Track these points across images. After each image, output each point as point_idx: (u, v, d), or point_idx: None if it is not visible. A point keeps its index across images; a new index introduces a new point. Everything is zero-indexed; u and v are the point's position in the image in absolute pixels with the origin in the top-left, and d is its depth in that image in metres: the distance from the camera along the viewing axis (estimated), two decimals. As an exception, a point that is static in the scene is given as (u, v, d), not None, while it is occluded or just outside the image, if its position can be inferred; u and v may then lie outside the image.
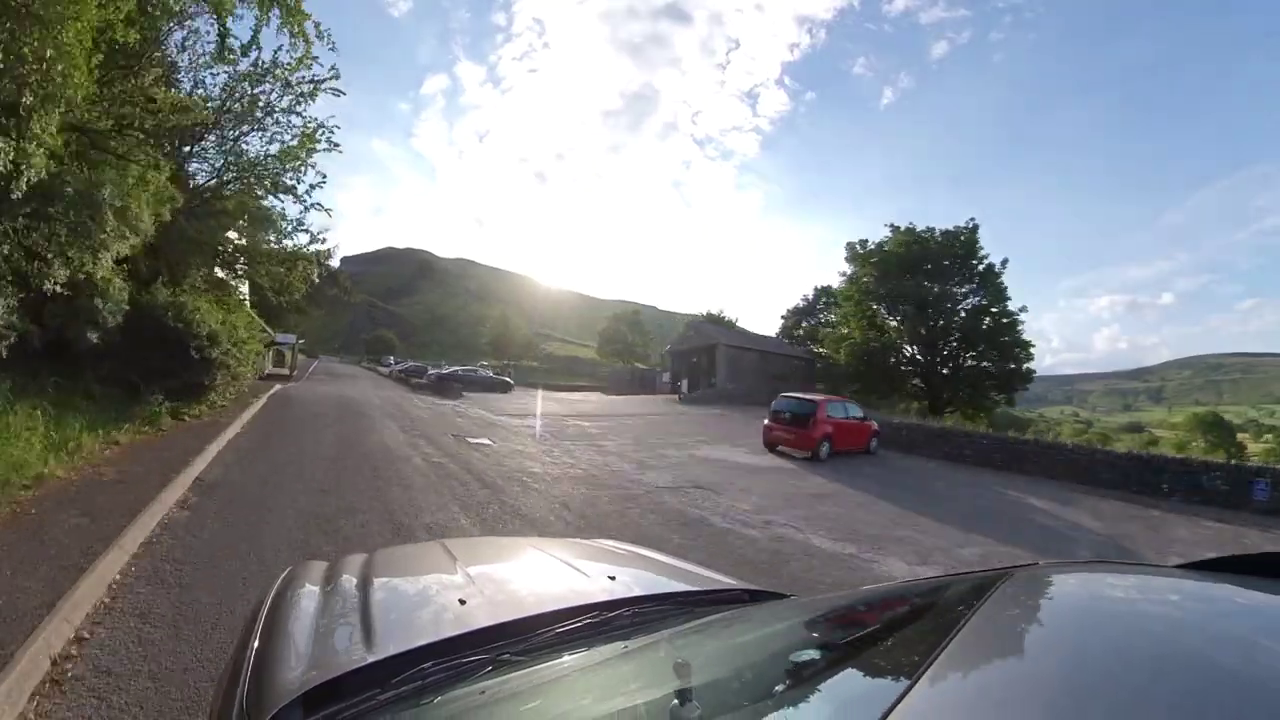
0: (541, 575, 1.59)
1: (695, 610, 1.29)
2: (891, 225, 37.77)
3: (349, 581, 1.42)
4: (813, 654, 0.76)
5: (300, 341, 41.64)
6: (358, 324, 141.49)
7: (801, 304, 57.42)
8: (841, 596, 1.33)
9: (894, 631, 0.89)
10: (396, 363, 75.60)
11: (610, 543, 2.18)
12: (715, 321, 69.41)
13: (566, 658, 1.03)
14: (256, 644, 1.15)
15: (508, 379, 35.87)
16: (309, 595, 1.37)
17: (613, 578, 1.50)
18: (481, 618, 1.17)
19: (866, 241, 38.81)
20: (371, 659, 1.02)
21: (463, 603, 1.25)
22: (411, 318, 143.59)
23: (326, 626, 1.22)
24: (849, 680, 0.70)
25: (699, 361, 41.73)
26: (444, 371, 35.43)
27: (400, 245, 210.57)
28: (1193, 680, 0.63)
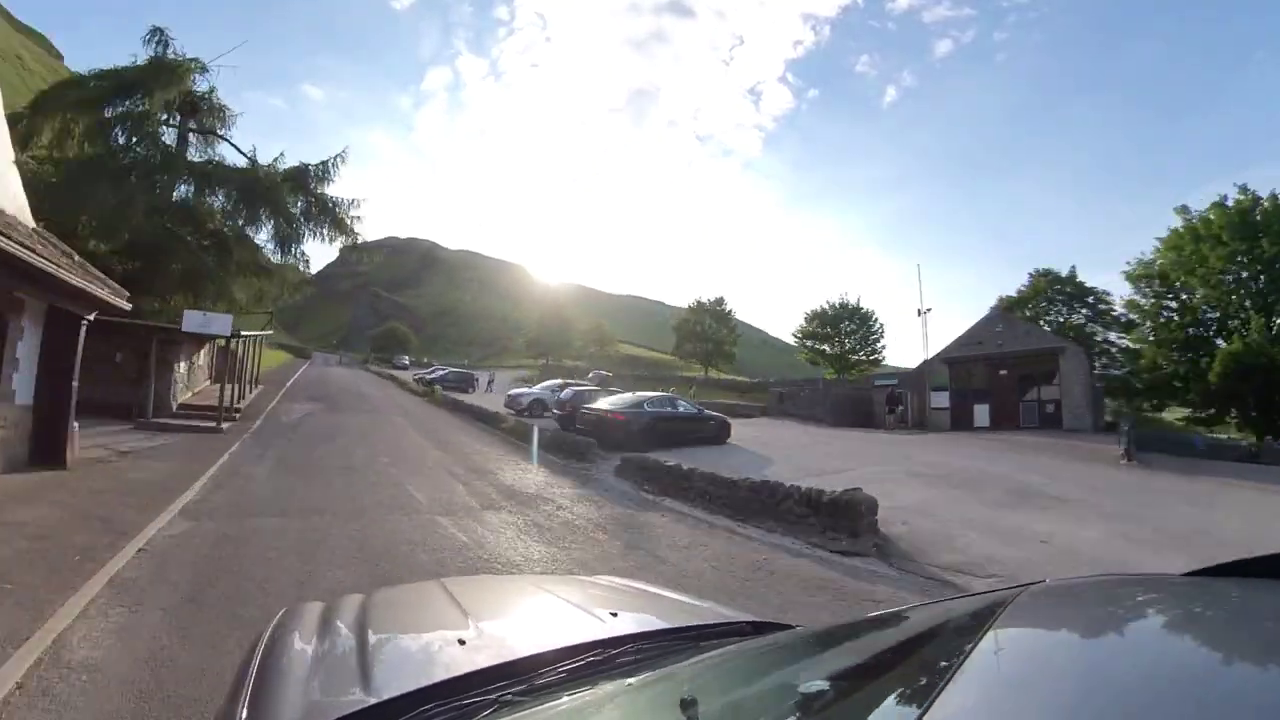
0: (542, 614, 1.51)
1: (699, 644, 1.23)
2: (1240, 186, 25.96)
3: (345, 623, 1.33)
4: (821, 684, 0.72)
5: (266, 332, 21.50)
6: (360, 316, 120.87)
7: (1021, 292, 38.18)
8: (848, 625, 1.18)
9: (904, 657, 0.85)
10: (413, 364, 56.09)
11: (611, 579, 2.08)
12: (851, 313, 50.04)
13: (569, 697, 0.97)
14: (250, 689, 1.08)
15: (709, 411, 15.96)
16: (304, 638, 1.28)
17: (615, 614, 1.40)
18: (482, 658, 1.11)
19: (1232, 201, 24.76)
20: (370, 702, 0.96)
21: (462, 643, 1.19)
22: (418, 310, 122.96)
23: (323, 670, 1.15)
24: (859, 709, 0.67)
25: (1007, 376, 22.75)
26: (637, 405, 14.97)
27: (403, 236, 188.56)
28: (1217, 689, 0.60)
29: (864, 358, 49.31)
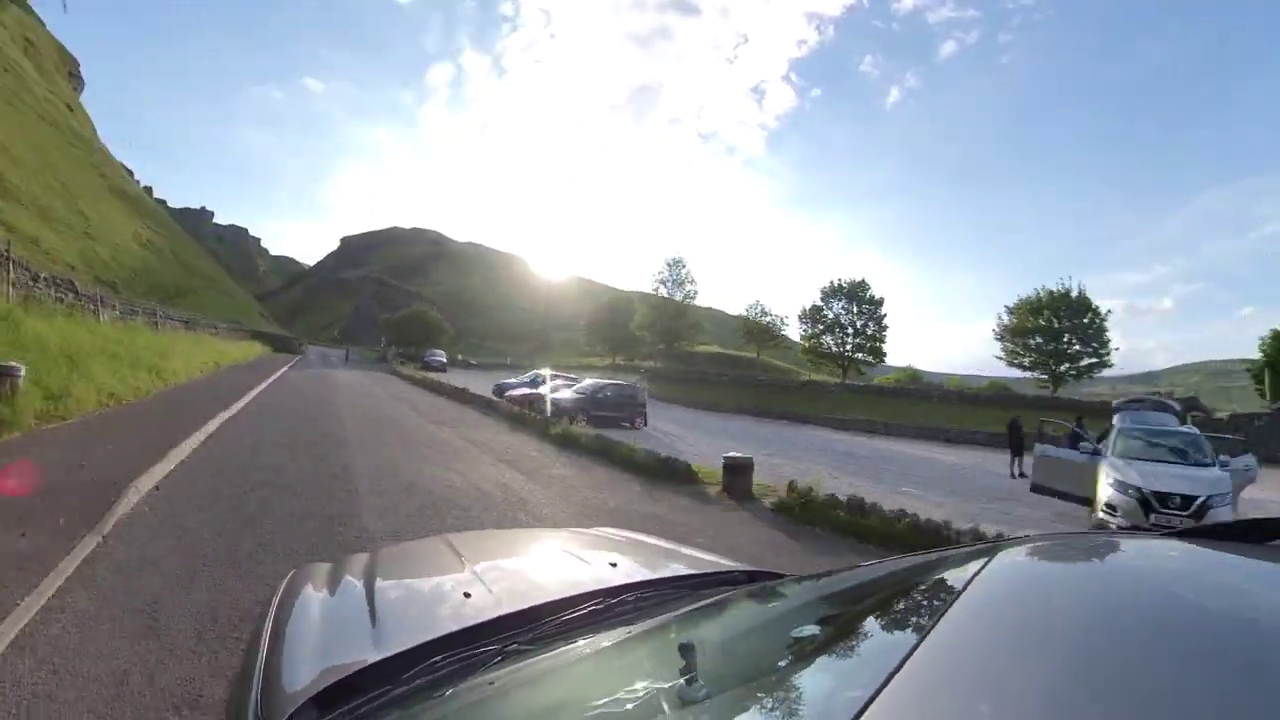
0: (545, 565, 1.51)
1: (697, 592, 1.23)
2: None
3: (354, 580, 1.31)
4: (812, 630, 0.73)
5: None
6: (365, 307, 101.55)
7: None
8: (839, 574, 1.16)
9: (892, 604, 0.85)
10: (444, 363, 40.39)
11: (611, 530, 2.03)
12: (1072, 305, 33.39)
13: (573, 645, 0.97)
14: (266, 648, 1.07)
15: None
16: (315, 596, 1.27)
17: (614, 564, 1.39)
18: (488, 609, 1.10)
19: None
20: (381, 656, 0.96)
21: (468, 595, 1.18)
22: (433, 300, 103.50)
23: (335, 626, 1.14)
24: (848, 652, 0.69)
25: None
26: None
27: (406, 225, 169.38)
28: (1191, 643, 0.60)
29: (1092, 358, 33.00)
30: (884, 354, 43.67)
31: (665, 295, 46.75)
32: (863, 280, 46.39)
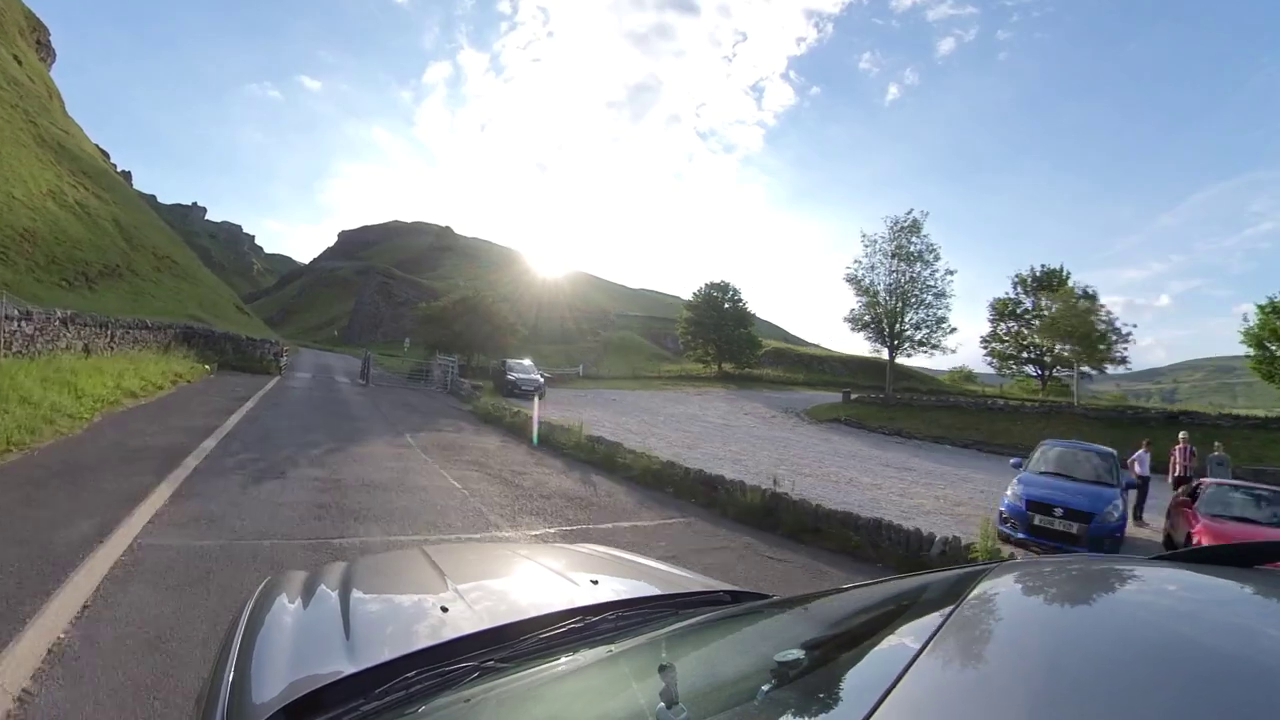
0: (524, 581, 1.44)
1: (679, 612, 1.18)
2: None
3: (329, 591, 1.25)
4: (796, 653, 0.71)
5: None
6: (367, 303, 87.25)
7: None
8: (823, 595, 1.12)
9: (877, 628, 0.81)
10: (529, 379, 20.44)
11: (592, 547, 1.93)
12: None
13: (552, 664, 0.94)
14: (235, 657, 1.03)
15: None
16: (288, 606, 1.21)
17: (595, 582, 1.33)
18: (465, 625, 1.06)
19: None
20: (354, 669, 0.92)
21: (445, 610, 1.13)
22: (449, 294, 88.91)
23: (307, 638, 1.09)
24: (833, 678, 0.67)
25: None
26: None
27: (408, 220, 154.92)
28: (1182, 667, 0.59)
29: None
30: (1118, 360, 30.22)
31: (878, 281, 28.80)
32: (1059, 267, 33.39)
